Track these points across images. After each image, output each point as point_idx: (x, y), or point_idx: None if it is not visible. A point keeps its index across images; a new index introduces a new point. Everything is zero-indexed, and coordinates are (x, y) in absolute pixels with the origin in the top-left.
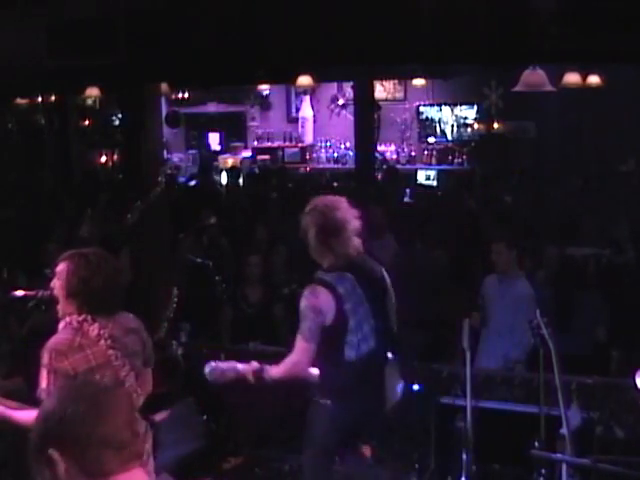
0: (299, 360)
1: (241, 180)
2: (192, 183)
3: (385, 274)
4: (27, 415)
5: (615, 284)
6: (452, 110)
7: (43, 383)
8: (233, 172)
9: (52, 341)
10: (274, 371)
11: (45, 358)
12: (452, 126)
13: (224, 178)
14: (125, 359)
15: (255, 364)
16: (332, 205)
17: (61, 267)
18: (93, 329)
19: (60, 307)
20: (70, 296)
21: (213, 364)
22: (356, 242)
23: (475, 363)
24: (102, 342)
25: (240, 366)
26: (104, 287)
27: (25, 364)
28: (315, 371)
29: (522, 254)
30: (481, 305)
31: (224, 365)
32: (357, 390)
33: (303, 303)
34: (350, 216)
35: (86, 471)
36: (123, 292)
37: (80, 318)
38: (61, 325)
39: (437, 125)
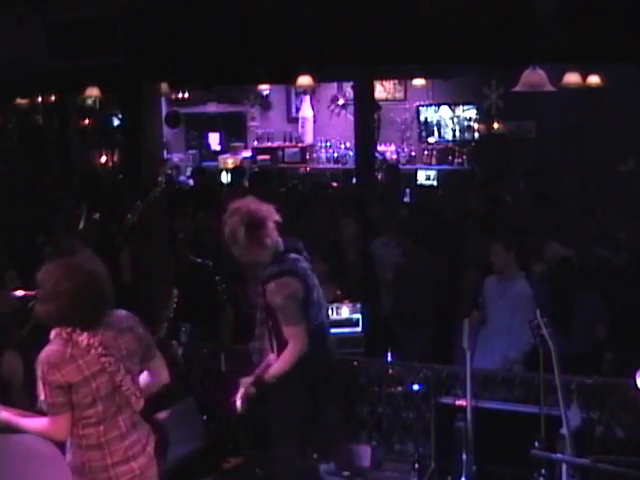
0: (300, 344)
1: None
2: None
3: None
4: (32, 423)
5: (614, 284)
6: (452, 110)
7: (41, 395)
8: (237, 172)
9: (44, 354)
10: (275, 368)
11: (39, 371)
12: (452, 126)
13: (224, 178)
14: (119, 363)
15: (249, 379)
16: (252, 203)
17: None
18: (82, 339)
19: None
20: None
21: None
22: (276, 233)
23: (473, 363)
24: (93, 351)
25: (241, 389)
26: (84, 309)
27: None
28: None
29: (523, 254)
30: (481, 304)
31: (237, 400)
32: (318, 357)
33: (279, 298)
34: (270, 210)
35: None
36: (108, 299)
37: (69, 329)
38: (52, 334)
39: (437, 125)
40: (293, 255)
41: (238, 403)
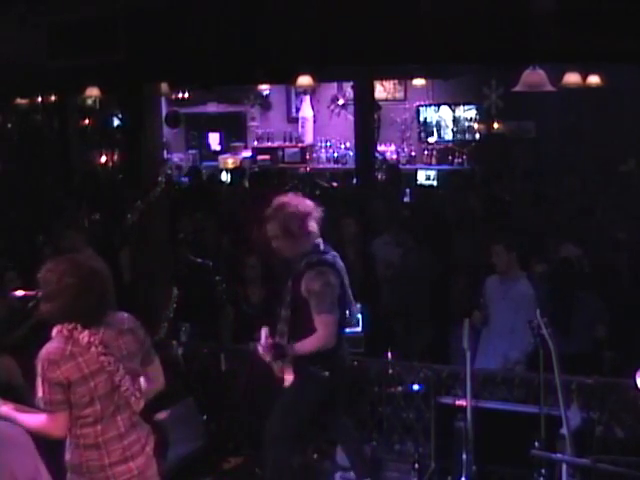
0: (329, 332)
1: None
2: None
3: None
4: (31, 418)
5: (614, 284)
6: (452, 110)
7: (39, 392)
8: (237, 172)
9: (44, 351)
10: (300, 345)
11: (39, 368)
12: (452, 126)
13: (224, 178)
14: (119, 363)
15: (270, 342)
16: (294, 198)
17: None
18: (83, 337)
19: None
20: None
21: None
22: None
23: (475, 363)
24: (93, 349)
25: (260, 348)
26: (87, 304)
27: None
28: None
29: (524, 254)
30: (482, 304)
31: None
32: (343, 358)
33: (317, 284)
34: (312, 204)
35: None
36: (109, 297)
37: (70, 326)
38: (53, 332)
39: (437, 125)
40: (332, 252)
41: (260, 349)
